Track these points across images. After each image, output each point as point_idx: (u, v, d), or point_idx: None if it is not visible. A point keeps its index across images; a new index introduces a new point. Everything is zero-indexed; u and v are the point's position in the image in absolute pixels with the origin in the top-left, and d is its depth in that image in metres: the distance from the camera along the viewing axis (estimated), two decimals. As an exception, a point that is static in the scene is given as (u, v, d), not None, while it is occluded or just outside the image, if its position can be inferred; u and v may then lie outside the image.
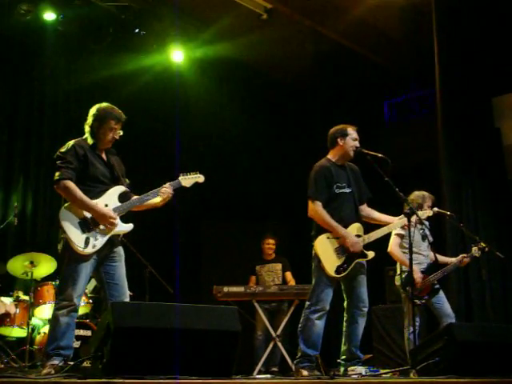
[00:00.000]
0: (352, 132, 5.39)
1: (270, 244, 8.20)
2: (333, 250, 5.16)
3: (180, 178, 4.83)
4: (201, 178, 4.90)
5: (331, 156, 5.45)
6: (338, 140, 5.38)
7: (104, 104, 4.70)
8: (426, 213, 5.84)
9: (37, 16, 8.01)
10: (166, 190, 4.67)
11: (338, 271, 5.13)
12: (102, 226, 4.47)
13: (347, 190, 5.34)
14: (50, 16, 8.06)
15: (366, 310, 5.27)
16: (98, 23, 8.38)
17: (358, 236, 5.25)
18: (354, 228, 5.27)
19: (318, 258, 5.17)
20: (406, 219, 5.35)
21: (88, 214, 4.44)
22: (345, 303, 5.32)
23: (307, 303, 5.25)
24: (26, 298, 6.72)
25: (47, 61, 8.38)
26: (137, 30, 8.57)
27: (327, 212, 5.19)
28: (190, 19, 8.68)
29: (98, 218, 4.45)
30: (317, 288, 5.19)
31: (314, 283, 5.24)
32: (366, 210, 5.51)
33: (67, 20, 8.18)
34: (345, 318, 5.29)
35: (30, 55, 8.33)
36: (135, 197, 4.67)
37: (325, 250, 5.16)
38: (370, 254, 5.28)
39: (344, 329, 5.28)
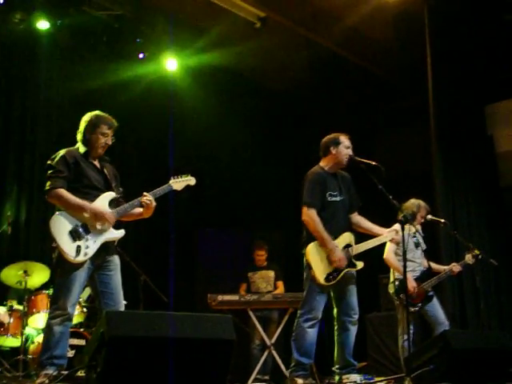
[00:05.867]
0: (344, 140, 5.40)
1: (259, 255, 8.26)
2: (324, 257, 5.16)
3: (171, 182, 4.80)
4: (192, 181, 4.89)
5: (324, 164, 5.46)
6: (331, 149, 5.40)
7: (96, 111, 4.75)
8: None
9: (30, 25, 7.98)
10: (148, 198, 4.61)
11: (327, 279, 5.13)
12: (98, 226, 4.43)
13: (338, 198, 5.35)
14: (43, 25, 8.03)
15: (356, 317, 5.27)
16: (91, 32, 8.37)
17: (349, 246, 5.26)
18: (346, 237, 5.29)
19: (309, 265, 5.17)
20: (394, 232, 5.39)
21: (78, 222, 4.41)
22: (334, 312, 5.32)
23: (299, 312, 5.24)
24: (20, 307, 6.69)
25: (41, 70, 8.36)
26: (138, 40, 8.64)
27: (320, 220, 5.19)
28: (184, 28, 8.68)
29: (96, 216, 4.42)
30: (309, 296, 5.19)
31: (306, 292, 5.23)
32: (356, 218, 5.51)
33: (61, 29, 8.18)
34: (336, 327, 5.30)
35: (24, 64, 8.30)
36: (123, 205, 4.62)
37: (316, 257, 5.16)
38: (359, 265, 5.29)
39: (336, 337, 5.28)
